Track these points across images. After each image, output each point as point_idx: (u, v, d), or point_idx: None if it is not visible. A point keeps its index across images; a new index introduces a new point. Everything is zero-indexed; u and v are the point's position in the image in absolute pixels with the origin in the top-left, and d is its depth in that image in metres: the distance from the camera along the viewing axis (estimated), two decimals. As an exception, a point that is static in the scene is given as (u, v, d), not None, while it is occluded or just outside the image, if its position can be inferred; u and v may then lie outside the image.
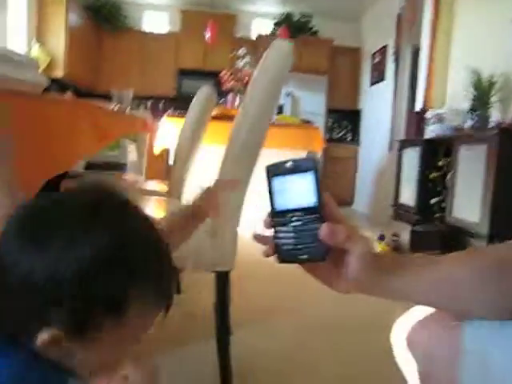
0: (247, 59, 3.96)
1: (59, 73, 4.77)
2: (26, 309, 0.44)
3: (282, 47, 1.16)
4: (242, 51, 4.07)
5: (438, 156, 3.35)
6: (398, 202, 3.82)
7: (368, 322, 1.86)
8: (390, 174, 4.47)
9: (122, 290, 0.45)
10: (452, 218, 2.97)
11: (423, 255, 0.53)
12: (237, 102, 3.88)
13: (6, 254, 0.44)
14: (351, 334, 1.78)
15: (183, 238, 0.79)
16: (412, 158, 3.56)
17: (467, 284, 0.48)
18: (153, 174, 2.92)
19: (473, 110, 3.06)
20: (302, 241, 0.48)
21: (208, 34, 4.96)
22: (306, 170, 0.47)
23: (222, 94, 3.86)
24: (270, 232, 0.51)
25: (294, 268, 0.51)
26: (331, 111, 6.24)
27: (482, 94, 3.02)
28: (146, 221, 0.51)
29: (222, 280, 1.23)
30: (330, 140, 5.92)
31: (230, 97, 4.05)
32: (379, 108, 5.52)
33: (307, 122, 4.35)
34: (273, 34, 5.97)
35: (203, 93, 2.05)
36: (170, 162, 2.68)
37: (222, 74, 3.93)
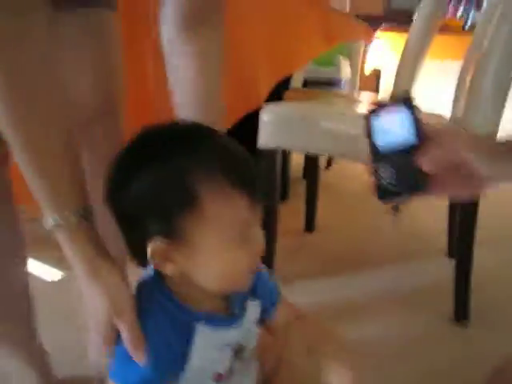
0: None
1: None
2: (135, 231, 0.50)
3: None
4: None
5: None
6: None
7: None
8: None
9: (187, 183, 0.47)
10: None
11: None
12: (459, 12, 3.41)
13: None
14: None
15: None
16: None
17: None
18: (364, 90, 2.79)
19: None
20: (404, 177, 0.51)
21: None
22: (402, 109, 0.50)
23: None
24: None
25: None
26: None
27: None
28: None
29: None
30: None
31: (450, 7, 3.57)
32: None
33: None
34: None
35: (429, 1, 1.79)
36: (382, 81, 2.52)
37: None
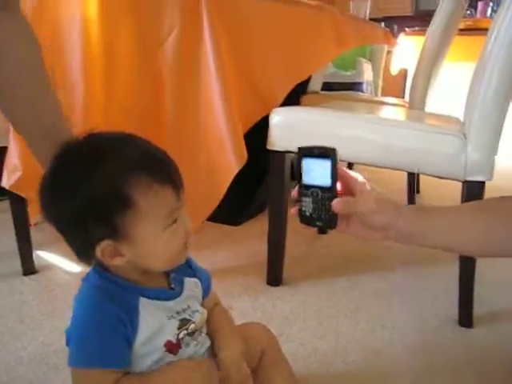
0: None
1: None
2: (80, 238, 0.58)
3: None
4: None
5: None
6: None
7: None
8: None
9: (121, 189, 0.54)
10: None
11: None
12: (489, 12, 3.34)
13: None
14: None
15: None
16: None
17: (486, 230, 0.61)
18: (389, 94, 2.78)
19: None
20: (318, 212, 0.62)
21: None
22: (325, 157, 0.59)
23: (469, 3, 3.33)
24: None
25: None
26: None
27: None
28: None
29: (474, 191, 1.08)
30: None
31: (479, 5, 3.50)
32: None
33: None
34: None
35: (450, 1, 1.78)
36: (408, 82, 2.50)
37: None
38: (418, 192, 2.26)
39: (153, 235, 0.57)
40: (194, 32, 1.11)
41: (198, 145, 1.16)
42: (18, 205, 1.30)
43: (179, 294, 0.64)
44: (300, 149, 0.62)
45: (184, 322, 0.63)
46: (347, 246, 1.57)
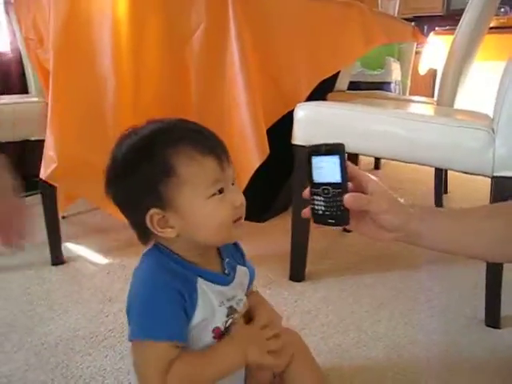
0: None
1: None
2: (133, 208, 0.62)
3: None
4: None
5: None
6: None
7: None
8: None
9: (164, 159, 0.58)
10: None
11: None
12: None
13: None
14: None
15: None
16: None
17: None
18: (417, 94, 2.74)
19: None
20: (330, 209, 0.61)
21: None
22: (333, 153, 0.59)
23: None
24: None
25: None
26: None
27: None
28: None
29: (502, 187, 1.06)
30: None
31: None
32: None
33: None
34: None
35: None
36: (437, 82, 2.46)
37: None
38: (447, 192, 2.22)
39: (196, 204, 0.59)
40: (220, 27, 1.13)
41: (223, 138, 1.17)
42: (49, 198, 1.36)
43: (232, 280, 0.66)
44: (308, 148, 0.63)
45: (231, 311, 0.64)
46: (373, 245, 1.56)
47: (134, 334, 0.59)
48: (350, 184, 0.61)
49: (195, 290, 0.60)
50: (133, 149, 0.61)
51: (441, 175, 1.99)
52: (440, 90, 1.82)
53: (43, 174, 1.16)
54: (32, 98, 1.40)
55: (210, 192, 0.59)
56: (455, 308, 1.19)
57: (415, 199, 2.21)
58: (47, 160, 1.15)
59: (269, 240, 1.61)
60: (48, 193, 1.33)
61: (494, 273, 1.09)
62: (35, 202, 1.36)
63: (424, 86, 3.33)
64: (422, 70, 2.94)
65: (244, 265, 0.71)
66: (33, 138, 1.25)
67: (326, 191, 0.61)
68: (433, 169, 2.02)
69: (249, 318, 0.68)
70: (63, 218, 1.77)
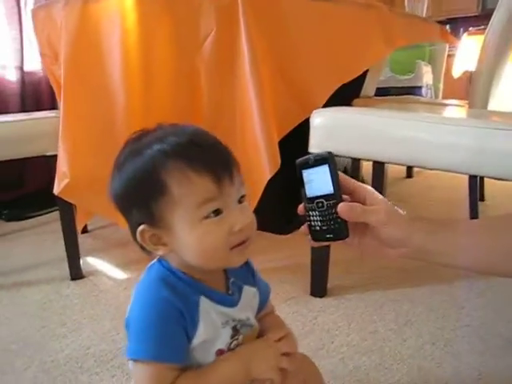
0: None
1: None
2: (128, 221, 0.58)
3: None
4: None
5: None
6: None
7: None
8: None
9: (156, 175, 0.53)
10: None
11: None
12: None
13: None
14: None
15: None
16: None
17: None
18: (451, 98, 2.62)
19: None
20: (327, 223, 0.57)
21: None
22: (322, 163, 0.56)
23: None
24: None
25: None
26: None
27: None
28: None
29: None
30: None
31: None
32: None
33: None
34: None
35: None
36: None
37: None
38: (483, 200, 2.09)
39: (188, 225, 0.54)
40: (231, 34, 1.09)
41: (235, 147, 1.13)
42: (67, 214, 1.36)
43: (237, 301, 0.61)
44: (296, 162, 0.59)
45: (235, 332, 0.60)
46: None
47: (130, 352, 0.55)
48: (347, 197, 0.58)
49: (197, 308, 0.56)
50: (131, 154, 0.57)
51: (474, 182, 1.87)
52: (472, 91, 1.72)
53: (56, 189, 1.16)
54: (49, 114, 1.41)
55: (202, 214, 0.54)
56: (490, 327, 1.09)
57: (448, 208, 2.10)
58: (60, 175, 1.15)
59: (291, 252, 1.55)
60: (66, 209, 1.34)
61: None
62: (55, 217, 1.37)
63: (459, 89, 3.19)
64: (456, 72, 2.82)
65: (254, 285, 0.66)
66: (48, 154, 1.25)
67: (319, 205, 0.57)
68: (467, 177, 1.91)
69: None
70: (86, 232, 1.78)
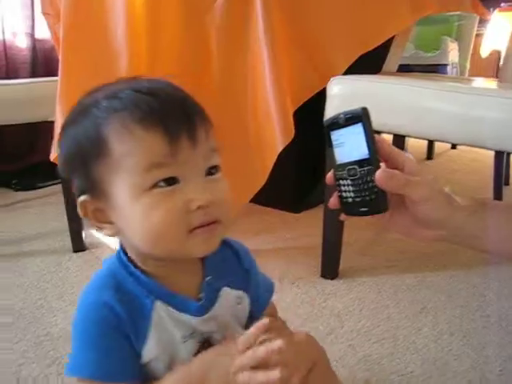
0: None
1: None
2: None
3: None
4: None
5: None
6: None
7: None
8: None
9: (98, 131, 0.44)
10: None
11: None
12: None
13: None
14: None
15: None
16: None
17: None
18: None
19: None
20: (361, 193, 0.48)
21: None
22: (355, 122, 0.47)
23: None
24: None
25: None
26: None
27: None
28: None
29: None
30: None
31: None
32: None
33: None
34: None
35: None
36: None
37: None
38: (508, 184, 1.98)
39: (131, 194, 0.43)
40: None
41: (246, 115, 1.05)
42: (68, 186, 1.30)
43: (206, 308, 0.49)
44: (324, 122, 0.50)
45: (203, 348, 0.48)
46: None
47: (67, 367, 0.45)
48: (382, 165, 0.48)
49: (148, 316, 0.45)
50: (76, 112, 0.47)
51: (501, 163, 1.77)
52: (502, 68, 1.61)
53: (52, 156, 1.10)
54: (53, 78, 1.35)
55: (148, 181, 0.42)
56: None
57: (469, 191, 2.00)
58: (56, 142, 1.08)
59: (302, 232, 1.48)
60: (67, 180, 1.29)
61: None
62: (57, 190, 1.33)
63: (486, 70, 3.05)
64: (484, 51, 2.68)
65: (241, 287, 0.52)
66: (50, 119, 1.19)
67: (352, 172, 0.48)
68: (492, 158, 1.81)
69: None
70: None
